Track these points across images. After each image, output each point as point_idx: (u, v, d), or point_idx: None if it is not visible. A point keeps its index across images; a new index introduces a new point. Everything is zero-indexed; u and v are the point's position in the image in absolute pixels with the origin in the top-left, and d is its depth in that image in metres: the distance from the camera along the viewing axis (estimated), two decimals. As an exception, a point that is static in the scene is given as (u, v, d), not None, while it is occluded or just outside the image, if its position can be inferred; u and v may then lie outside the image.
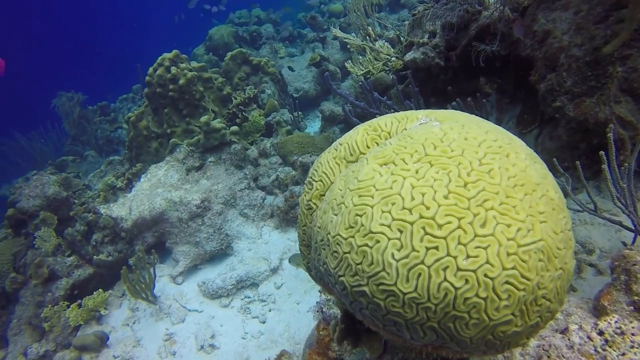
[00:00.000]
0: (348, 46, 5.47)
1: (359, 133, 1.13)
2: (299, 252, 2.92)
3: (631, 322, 1.17)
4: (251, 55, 6.88)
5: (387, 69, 4.89)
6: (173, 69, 5.17)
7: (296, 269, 3.94)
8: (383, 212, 0.85)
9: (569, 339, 1.13)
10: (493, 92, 3.92)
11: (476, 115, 1.19)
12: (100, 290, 4.35)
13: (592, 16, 2.68)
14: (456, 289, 0.78)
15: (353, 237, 0.88)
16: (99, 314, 4.27)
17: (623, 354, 1.10)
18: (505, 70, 3.81)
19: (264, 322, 3.86)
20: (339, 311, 1.56)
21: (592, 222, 2.55)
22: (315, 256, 1.03)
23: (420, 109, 3.02)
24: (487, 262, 0.78)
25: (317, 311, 2.74)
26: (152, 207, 4.53)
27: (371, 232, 0.85)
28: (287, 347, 3.55)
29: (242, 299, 4.10)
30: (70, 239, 4.83)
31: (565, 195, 1.94)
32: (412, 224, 0.82)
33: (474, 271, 0.78)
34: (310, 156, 4.79)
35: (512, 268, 0.78)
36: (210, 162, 5.08)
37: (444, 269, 0.79)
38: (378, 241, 0.84)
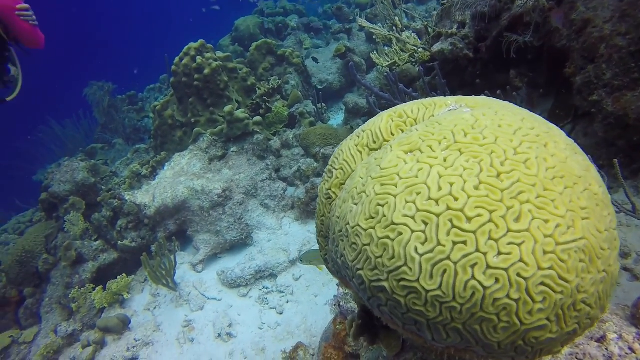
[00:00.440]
0: (374, 37, 5.35)
1: (383, 119, 1.07)
2: (311, 250, 2.84)
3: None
4: (276, 46, 6.85)
5: (413, 60, 4.76)
6: (198, 59, 5.19)
7: (313, 263, 3.90)
8: (407, 202, 0.79)
9: (606, 349, 1.03)
10: (524, 86, 3.75)
11: (510, 103, 1.10)
12: (123, 274, 4.45)
13: (640, 2, 2.50)
14: (485, 288, 0.71)
15: (373, 228, 0.82)
16: (122, 297, 4.38)
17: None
18: (537, 63, 3.63)
19: (281, 314, 3.85)
20: (357, 306, 1.51)
21: (628, 224, 2.41)
22: (332, 248, 0.98)
23: (447, 101, 2.90)
24: (521, 260, 0.71)
25: (334, 305, 2.70)
26: (175, 195, 4.58)
27: (393, 223, 0.79)
28: (303, 340, 3.53)
29: (261, 290, 4.10)
30: (97, 224, 4.96)
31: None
32: (438, 216, 0.75)
33: (505, 270, 0.71)
34: (333, 148, 4.73)
35: (549, 268, 0.71)
36: (232, 151, 5.10)
37: (472, 266, 0.72)
38: (400, 233, 0.78)
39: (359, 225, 0.85)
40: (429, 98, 1.09)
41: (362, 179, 0.92)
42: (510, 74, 3.73)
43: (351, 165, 1.04)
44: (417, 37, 4.89)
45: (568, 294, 0.72)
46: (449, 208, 0.76)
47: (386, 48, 5.03)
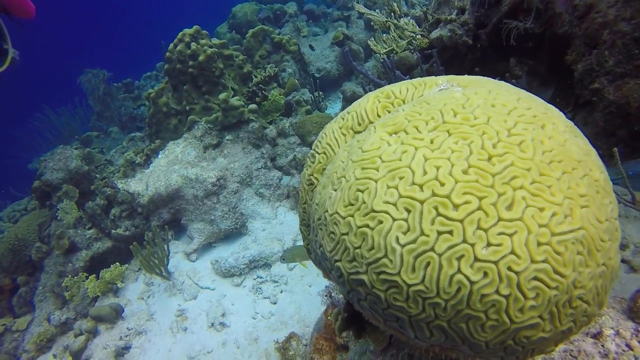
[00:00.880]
0: (372, 24, 5.24)
1: (369, 100, 0.99)
2: (293, 246, 2.74)
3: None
4: (273, 33, 6.72)
5: (411, 47, 4.65)
6: (193, 45, 5.08)
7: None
8: (389, 187, 0.72)
9: (602, 346, 0.97)
10: (523, 74, 3.66)
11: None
12: (117, 263, 4.41)
13: (647, -16, 2.39)
14: (472, 283, 0.64)
15: (352, 216, 0.75)
16: (116, 286, 4.34)
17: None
18: (538, 51, 3.53)
19: (275, 303, 3.81)
20: (343, 298, 1.45)
21: (626, 215, 2.35)
22: (313, 237, 0.91)
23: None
24: (513, 252, 0.63)
25: (326, 295, 2.65)
26: (168, 183, 4.51)
27: (373, 210, 0.72)
28: (296, 330, 3.50)
29: (254, 279, 4.06)
30: (91, 212, 4.90)
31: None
32: (422, 202, 0.68)
33: (495, 263, 0.64)
34: (329, 137, 4.64)
35: (543, 261, 0.64)
36: (227, 140, 5.01)
37: (458, 259, 0.65)
38: (381, 222, 0.70)
39: (337, 213, 0.78)
40: (418, 78, 1.01)
41: (342, 162, 0.84)
42: (510, 62, 3.63)
43: (334, 149, 0.97)
44: (415, 24, 4.77)
45: (563, 289, 0.65)
46: (434, 194, 0.68)
47: (384, 35, 4.92)
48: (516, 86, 3.13)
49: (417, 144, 0.75)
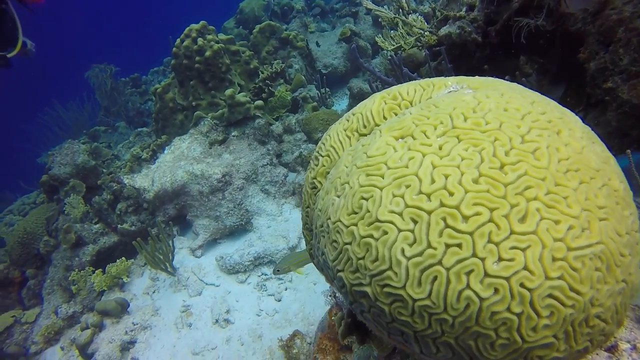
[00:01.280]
0: (380, 20, 5.17)
1: (375, 101, 0.95)
2: (286, 256, 2.67)
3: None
4: (280, 29, 6.67)
5: (419, 44, 4.58)
6: (200, 41, 5.05)
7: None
8: (394, 196, 0.68)
9: (617, 360, 0.93)
10: (534, 73, 3.58)
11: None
12: (123, 258, 4.42)
13: (666, -21, 2.31)
14: (481, 299, 0.61)
15: (356, 225, 0.71)
16: (121, 281, 4.36)
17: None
18: (549, 49, 3.46)
19: (279, 301, 3.80)
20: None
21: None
22: (315, 243, 0.88)
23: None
24: (526, 268, 0.60)
25: (330, 295, 2.62)
26: (174, 179, 4.50)
27: (378, 220, 0.68)
28: (301, 328, 3.48)
29: (259, 276, 4.05)
30: (97, 207, 4.92)
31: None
32: (429, 213, 0.65)
33: (506, 279, 0.60)
34: (335, 134, 4.60)
35: (559, 278, 0.60)
36: (233, 136, 4.99)
37: (468, 274, 0.61)
38: (386, 232, 0.67)
39: (340, 221, 0.74)
40: (427, 79, 0.97)
41: (346, 167, 0.81)
42: (520, 60, 3.55)
43: (338, 152, 0.93)
44: (424, 21, 4.70)
45: (580, 308, 0.61)
46: (442, 204, 0.65)
47: (392, 32, 4.85)
48: (526, 85, 3.07)
49: (424, 150, 0.71)
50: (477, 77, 0.93)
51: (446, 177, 0.67)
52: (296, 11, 8.75)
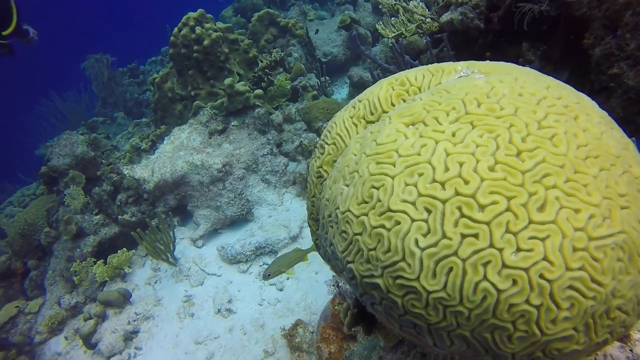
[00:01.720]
0: (380, 7, 5.09)
1: (383, 87, 0.92)
2: (276, 258, 2.62)
3: None
4: (279, 17, 6.57)
5: (420, 31, 4.52)
6: (198, 29, 4.98)
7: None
8: (407, 184, 0.66)
9: (631, 351, 0.91)
10: (536, 59, 3.53)
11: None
12: (124, 249, 4.42)
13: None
14: (499, 291, 0.59)
15: (366, 215, 0.69)
16: (123, 271, 4.36)
17: None
18: (552, 35, 3.40)
19: (281, 290, 3.80)
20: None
21: None
22: (322, 234, 0.86)
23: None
24: (545, 258, 0.57)
25: (333, 285, 2.62)
26: (174, 169, 4.48)
27: (390, 210, 0.66)
28: (303, 317, 3.49)
29: (261, 266, 4.05)
30: (98, 198, 4.90)
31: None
32: (444, 202, 0.62)
33: (525, 270, 0.58)
34: (336, 123, 4.55)
35: (580, 269, 0.58)
36: (233, 125, 4.95)
37: (485, 265, 0.59)
38: (398, 222, 0.65)
39: (349, 211, 0.72)
40: (435, 64, 0.94)
41: (355, 155, 0.78)
42: (523, 47, 3.50)
43: (345, 140, 0.90)
44: (425, 7, 4.62)
45: (601, 299, 0.59)
46: (457, 193, 0.62)
47: (392, 19, 4.78)
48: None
49: (437, 136, 0.68)
50: (488, 61, 0.89)
51: (461, 164, 0.64)
52: (295, -3, 8.61)
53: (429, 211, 0.64)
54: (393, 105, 0.90)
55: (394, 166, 0.69)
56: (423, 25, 4.25)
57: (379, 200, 0.68)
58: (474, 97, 0.71)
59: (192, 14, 5.09)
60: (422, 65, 3.78)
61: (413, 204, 0.65)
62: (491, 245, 0.59)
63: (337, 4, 8.73)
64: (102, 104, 8.27)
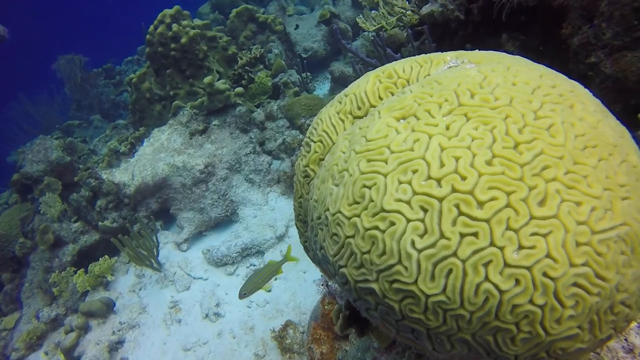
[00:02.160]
0: (360, 0, 5.06)
1: (369, 80, 0.88)
2: (250, 275, 2.56)
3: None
4: (258, 12, 6.48)
5: (401, 24, 4.51)
6: (174, 27, 4.85)
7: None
8: (400, 182, 0.62)
9: (626, 340, 0.91)
10: (516, 50, 3.56)
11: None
12: (106, 256, 4.28)
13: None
14: (502, 292, 0.56)
15: (359, 216, 0.65)
16: (105, 280, 4.23)
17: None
18: (531, 25, 3.43)
19: (269, 291, 3.75)
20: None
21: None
22: (312, 237, 0.81)
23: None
24: (548, 255, 0.55)
25: (322, 284, 2.59)
26: (155, 172, 4.36)
27: (383, 210, 0.62)
28: (292, 317, 3.44)
29: (248, 267, 3.99)
30: (76, 204, 4.74)
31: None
32: (441, 200, 0.59)
33: (528, 268, 0.55)
34: (319, 119, 4.51)
35: (584, 264, 0.55)
36: (214, 125, 4.85)
37: (486, 265, 0.56)
38: (393, 223, 0.61)
39: (340, 212, 0.68)
40: (423, 55, 0.90)
41: (343, 153, 0.74)
42: (502, 38, 3.52)
43: (332, 137, 0.86)
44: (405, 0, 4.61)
45: (606, 295, 0.57)
46: (454, 190, 0.59)
47: (373, 12, 4.76)
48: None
49: (430, 130, 0.65)
50: (477, 51, 0.86)
51: (457, 159, 0.61)
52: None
53: (425, 210, 0.60)
54: (381, 98, 0.86)
55: (386, 163, 0.65)
56: (404, 18, 4.23)
57: (372, 200, 0.64)
58: (466, 88, 0.68)
59: (168, 11, 4.96)
60: (404, 58, 3.75)
61: (408, 203, 0.61)
62: (492, 244, 0.56)
63: (316, -2, 8.67)
64: (77, 106, 8.01)
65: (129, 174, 4.56)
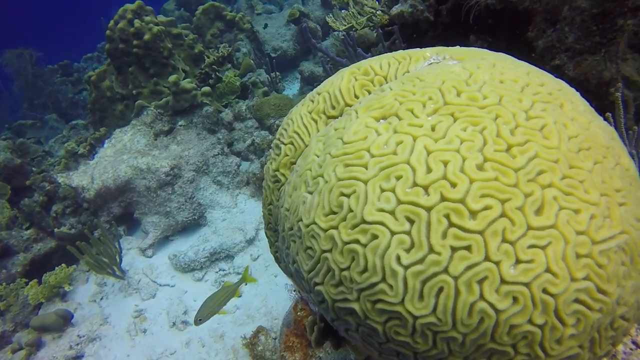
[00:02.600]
0: (330, 0, 5.03)
1: (344, 78, 0.81)
2: (205, 300, 2.44)
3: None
4: (225, 10, 6.32)
5: (371, 24, 4.51)
6: (137, 22, 4.64)
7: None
8: (383, 190, 0.55)
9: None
10: (485, 51, 3.63)
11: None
12: (63, 265, 4.01)
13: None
14: (498, 312, 0.50)
15: (336, 228, 0.58)
16: (62, 290, 3.97)
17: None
18: (498, 27, 3.50)
19: (239, 296, 3.63)
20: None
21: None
22: (283, 248, 0.74)
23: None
24: (548, 270, 0.49)
25: (294, 290, 2.51)
26: (117, 175, 4.15)
27: (364, 221, 0.55)
28: (264, 323, 3.35)
29: (217, 272, 3.85)
30: (28, 210, 4.43)
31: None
32: (429, 210, 0.52)
33: (526, 285, 0.49)
34: (289, 119, 4.43)
35: (585, 278, 0.50)
36: (180, 125, 4.68)
37: (480, 282, 0.50)
38: (375, 236, 0.54)
39: (315, 224, 0.60)
40: (401, 51, 0.85)
41: (317, 157, 0.67)
42: (470, 39, 3.57)
43: (304, 139, 0.79)
44: (375, -1, 4.61)
45: (608, 311, 0.52)
46: (443, 198, 0.53)
47: (343, 11, 4.73)
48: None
49: (414, 132, 0.58)
50: (458, 47, 0.81)
51: (445, 164, 0.55)
52: (240, -10, 8.35)
53: (411, 221, 0.54)
54: (357, 97, 0.79)
55: (366, 168, 0.58)
56: (374, 17, 4.21)
57: (351, 210, 0.57)
58: (452, 85, 0.62)
59: (129, 6, 4.74)
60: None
61: (392, 213, 0.54)
62: (487, 259, 0.51)
63: (285, -3, 8.59)
64: (29, 105, 7.52)
65: (89, 176, 4.31)
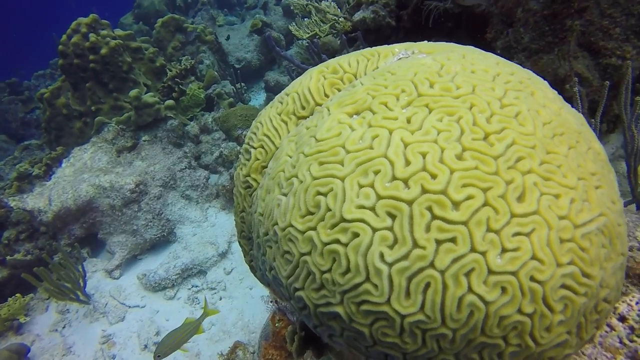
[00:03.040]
0: (292, 7, 5.05)
1: (313, 77, 0.79)
2: (167, 335, 2.36)
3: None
4: (185, 22, 6.22)
5: (334, 31, 4.55)
6: (92, 37, 4.47)
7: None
8: (361, 186, 0.53)
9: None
10: (445, 54, 3.74)
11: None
12: (17, 295, 3.74)
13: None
14: (487, 303, 0.48)
15: (314, 229, 0.55)
16: (17, 322, 3.69)
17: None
18: (457, 30, 3.62)
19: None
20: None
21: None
22: (258, 256, 0.70)
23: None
24: (534, 257, 0.48)
25: (271, 301, 2.45)
26: (77, 195, 3.94)
27: (344, 219, 0.52)
28: (241, 337, 3.25)
29: (189, 289, 3.72)
30: (-22, 238, 4.13)
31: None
32: (410, 203, 0.50)
33: (514, 273, 0.48)
34: (257, 129, 4.38)
35: (570, 263, 0.50)
36: (144, 141, 4.52)
37: (467, 274, 0.48)
38: (356, 234, 0.52)
39: (292, 226, 0.57)
40: (369, 48, 0.83)
41: (290, 157, 0.64)
42: (432, 42, 3.68)
43: (274, 141, 0.76)
44: (337, 7, 4.66)
45: (592, 294, 0.51)
46: (425, 190, 0.51)
47: (305, 20, 4.75)
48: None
49: (390, 125, 0.56)
50: (426, 42, 0.81)
51: (424, 155, 0.53)
52: (201, 4, 8.27)
53: (393, 216, 0.51)
54: (327, 96, 0.77)
55: (342, 165, 0.56)
56: (337, 24, 4.25)
57: (329, 209, 0.54)
58: (424, 77, 0.61)
59: (83, 20, 4.57)
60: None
61: (372, 209, 0.52)
62: (473, 250, 0.49)
63: (246, 9, 8.56)
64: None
65: (45, 198, 4.08)
